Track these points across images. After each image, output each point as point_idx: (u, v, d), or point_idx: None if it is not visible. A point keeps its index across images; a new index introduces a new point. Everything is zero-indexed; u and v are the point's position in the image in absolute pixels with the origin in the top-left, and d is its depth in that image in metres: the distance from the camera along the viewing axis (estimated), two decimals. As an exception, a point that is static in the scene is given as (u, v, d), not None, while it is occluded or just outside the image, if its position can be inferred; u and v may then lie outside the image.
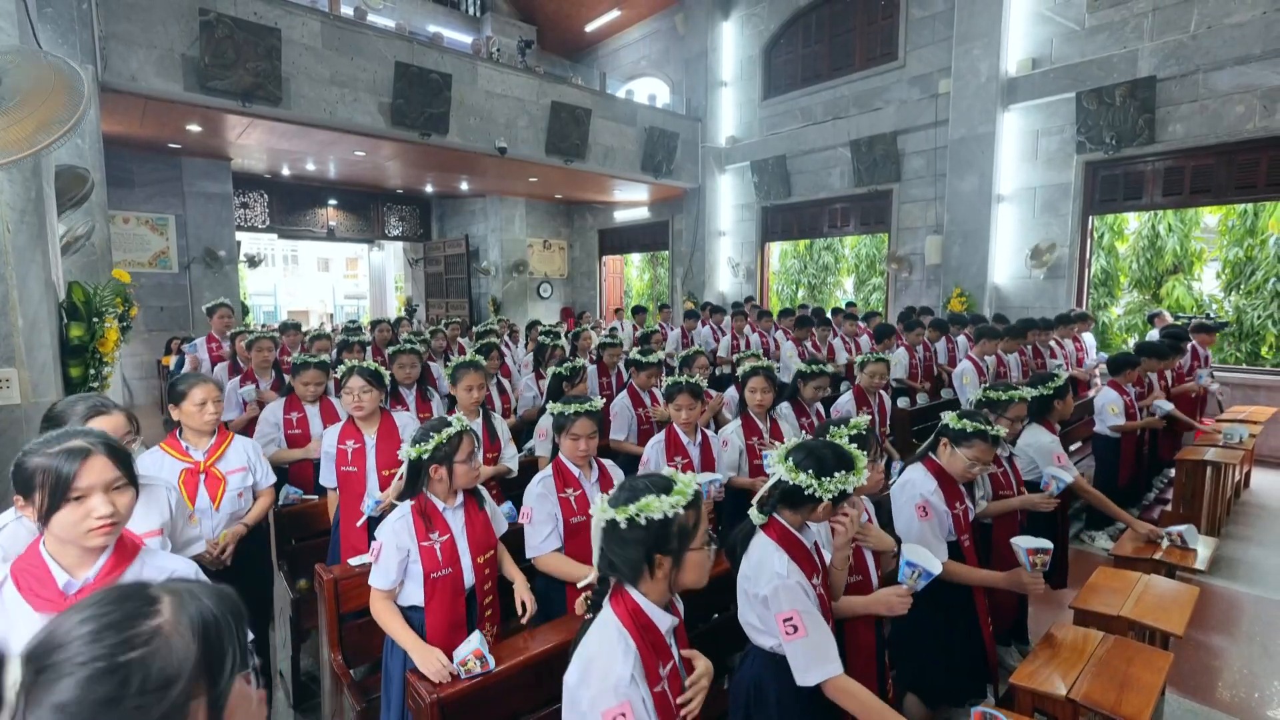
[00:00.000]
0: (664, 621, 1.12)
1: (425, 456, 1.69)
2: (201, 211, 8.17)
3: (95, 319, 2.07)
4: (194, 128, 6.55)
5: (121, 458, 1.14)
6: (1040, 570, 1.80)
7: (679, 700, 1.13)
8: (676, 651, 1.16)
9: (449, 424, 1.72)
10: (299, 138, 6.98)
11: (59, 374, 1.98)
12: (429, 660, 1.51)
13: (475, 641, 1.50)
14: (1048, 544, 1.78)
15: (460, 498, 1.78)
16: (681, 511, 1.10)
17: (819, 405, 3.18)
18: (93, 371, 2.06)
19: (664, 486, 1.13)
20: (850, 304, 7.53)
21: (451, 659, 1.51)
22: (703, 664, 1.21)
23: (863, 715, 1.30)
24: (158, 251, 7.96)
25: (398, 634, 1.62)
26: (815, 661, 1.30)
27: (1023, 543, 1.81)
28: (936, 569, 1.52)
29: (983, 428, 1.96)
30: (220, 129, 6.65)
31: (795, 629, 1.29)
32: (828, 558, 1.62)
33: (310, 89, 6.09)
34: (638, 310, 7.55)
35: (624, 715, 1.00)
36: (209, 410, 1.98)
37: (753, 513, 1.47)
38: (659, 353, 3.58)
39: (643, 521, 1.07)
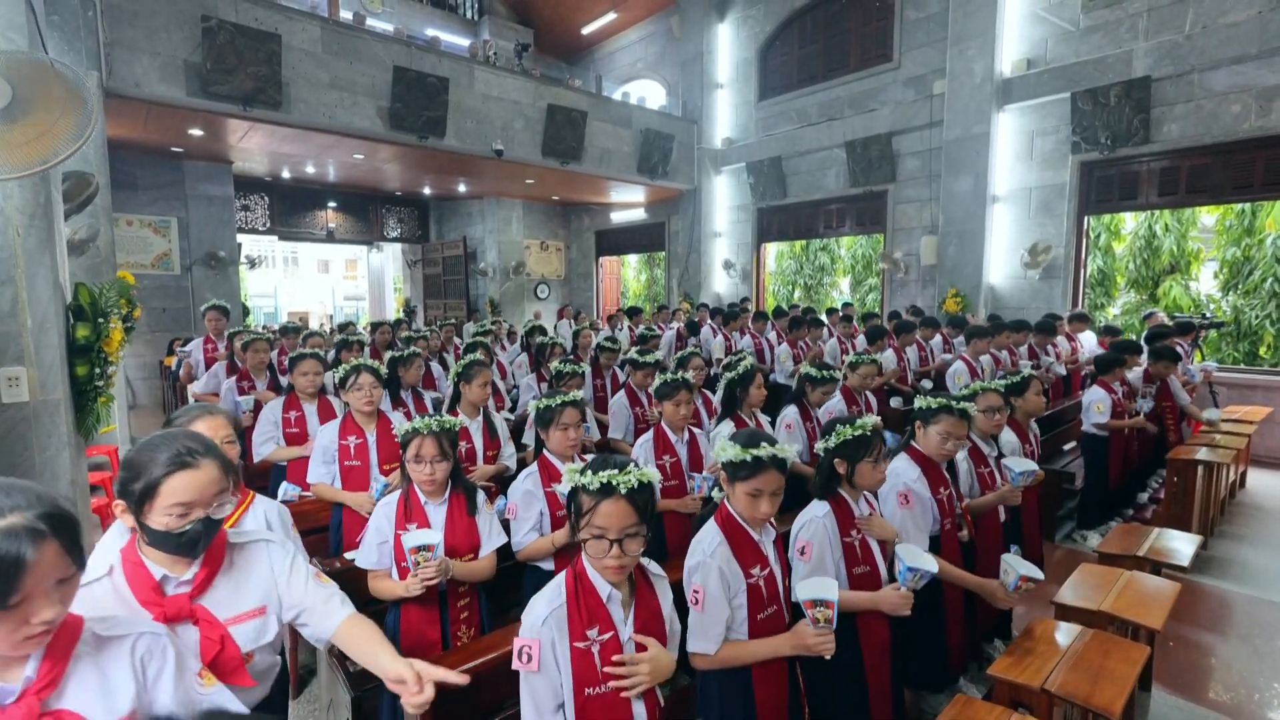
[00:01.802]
0: (602, 589, 1.22)
1: (400, 440, 1.79)
2: (203, 214, 8.26)
3: (101, 319, 2.12)
4: (196, 132, 6.63)
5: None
6: (1022, 593, 1.80)
7: (606, 667, 1.18)
8: (627, 628, 1.22)
9: (416, 423, 1.77)
10: (299, 141, 7.06)
11: (65, 373, 2.04)
12: (405, 588, 1.61)
13: (411, 541, 1.57)
14: (1039, 574, 1.79)
15: (444, 496, 1.81)
16: (580, 493, 1.20)
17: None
18: (98, 370, 2.12)
19: (601, 466, 1.22)
20: (847, 304, 7.57)
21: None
22: (652, 649, 1.22)
23: (748, 660, 1.44)
24: (160, 253, 8.04)
25: (386, 590, 1.71)
26: (696, 635, 1.44)
27: (1019, 566, 1.78)
28: (934, 568, 1.57)
29: (945, 402, 2.05)
30: (222, 133, 6.72)
31: (697, 602, 1.43)
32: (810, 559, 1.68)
33: (310, 93, 6.17)
34: (634, 311, 7.60)
35: (529, 648, 1.15)
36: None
37: (715, 492, 1.59)
38: (655, 354, 3.63)
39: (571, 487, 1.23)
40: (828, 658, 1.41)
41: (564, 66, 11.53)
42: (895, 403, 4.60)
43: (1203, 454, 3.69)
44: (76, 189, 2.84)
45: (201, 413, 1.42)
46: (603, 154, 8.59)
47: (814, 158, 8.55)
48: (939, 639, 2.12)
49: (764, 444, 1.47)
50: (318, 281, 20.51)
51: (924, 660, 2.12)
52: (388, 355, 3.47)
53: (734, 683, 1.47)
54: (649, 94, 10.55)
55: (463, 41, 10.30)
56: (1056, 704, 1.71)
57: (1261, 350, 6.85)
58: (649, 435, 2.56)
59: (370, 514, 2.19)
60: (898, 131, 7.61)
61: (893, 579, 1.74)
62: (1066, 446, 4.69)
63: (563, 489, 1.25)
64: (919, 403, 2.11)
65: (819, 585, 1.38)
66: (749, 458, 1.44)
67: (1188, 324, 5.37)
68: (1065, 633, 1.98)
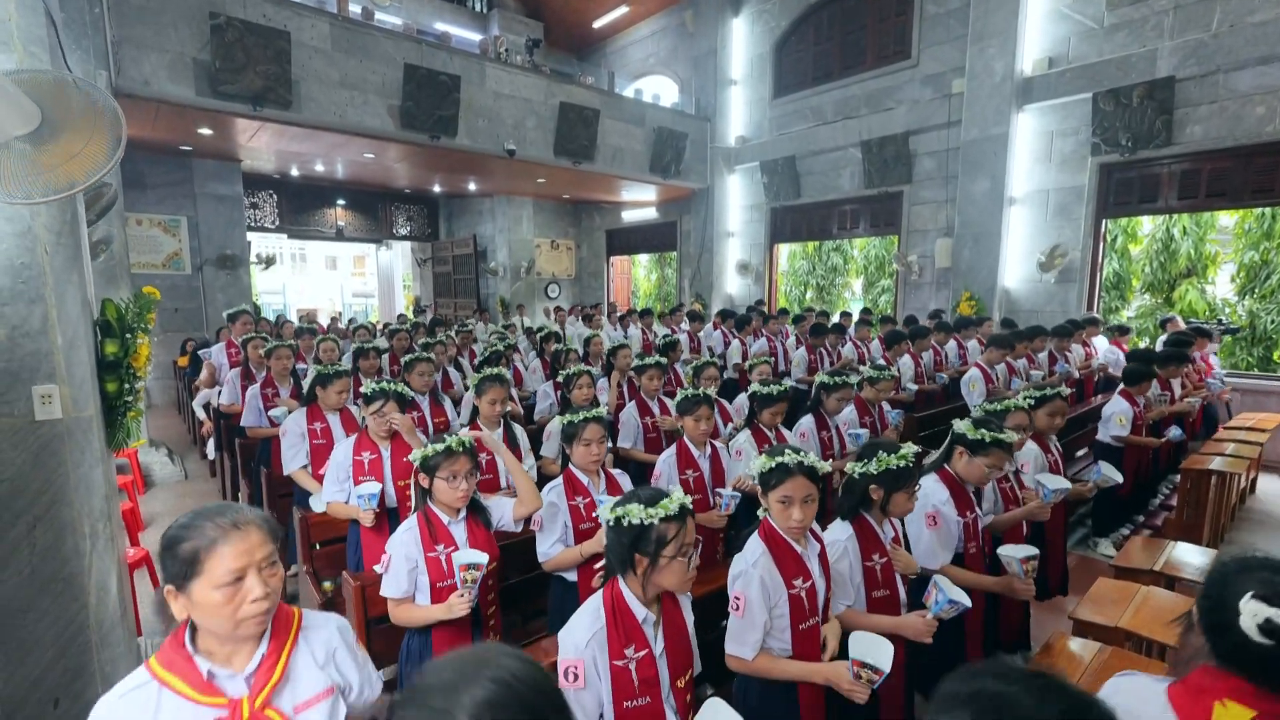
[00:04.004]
0: (639, 612, 1.32)
1: (418, 464, 1.79)
2: (213, 212, 8.26)
3: (128, 335, 2.13)
4: (205, 131, 6.61)
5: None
6: (1031, 575, 1.89)
7: None
8: (659, 644, 1.34)
9: (444, 439, 1.79)
10: (308, 140, 7.03)
11: (96, 389, 2.05)
12: (449, 609, 1.62)
13: (463, 559, 1.61)
14: (1033, 550, 1.90)
15: (462, 513, 1.83)
16: (658, 523, 1.30)
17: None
18: (127, 386, 2.12)
19: (654, 499, 1.33)
20: (866, 311, 7.50)
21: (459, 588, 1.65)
22: None
23: (780, 677, 1.52)
24: (170, 253, 8.06)
25: (421, 616, 1.71)
26: (735, 639, 1.52)
27: (1014, 552, 1.89)
28: (969, 603, 1.59)
29: (1000, 437, 2.05)
30: (231, 132, 6.70)
31: (738, 608, 1.51)
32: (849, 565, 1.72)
33: (320, 92, 6.13)
34: (645, 313, 7.55)
35: (575, 668, 1.25)
36: (252, 590, 0.95)
37: (760, 511, 1.64)
38: (654, 356, 3.64)
39: (625, 524, 1.30)
40: (860, 702, 1.43)
41: (575, 61, 11.44)
42: (909, 390, 4.70)
43: (1216, 464, 3.68)
44: (94, 198, 2.84)
45: (228, 528, 0.97)
46: (615, 153, 8.52)
47: (829, 157, 8.46)
48: (959, 655, 2.13)
49: (789, 452, 1.55)
50: (326, 278, 20.54)
51: (943, 675, 2.13)
52: (405, 359, 3.45)
53: (775, 687, 1.53)
54: (661, 90, 10.43)
55: (473, 36, 10.21)
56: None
57: (1276, 355, 6.76)
58: (671, 451, 2.56)
59: (370, 524, 2.24)
60: (914, 131, 7.50)
61: (911, 605, 1.75)
62: (1079, 453, 4.66)
63: (604, 515, 1.36)
64: (968, 432, 2.08)
65: (874, 649, 1.38)
66: (774, 464, 1.54)
67: (1203, 330, 5.34)
68: (1083, 649, 1.97)
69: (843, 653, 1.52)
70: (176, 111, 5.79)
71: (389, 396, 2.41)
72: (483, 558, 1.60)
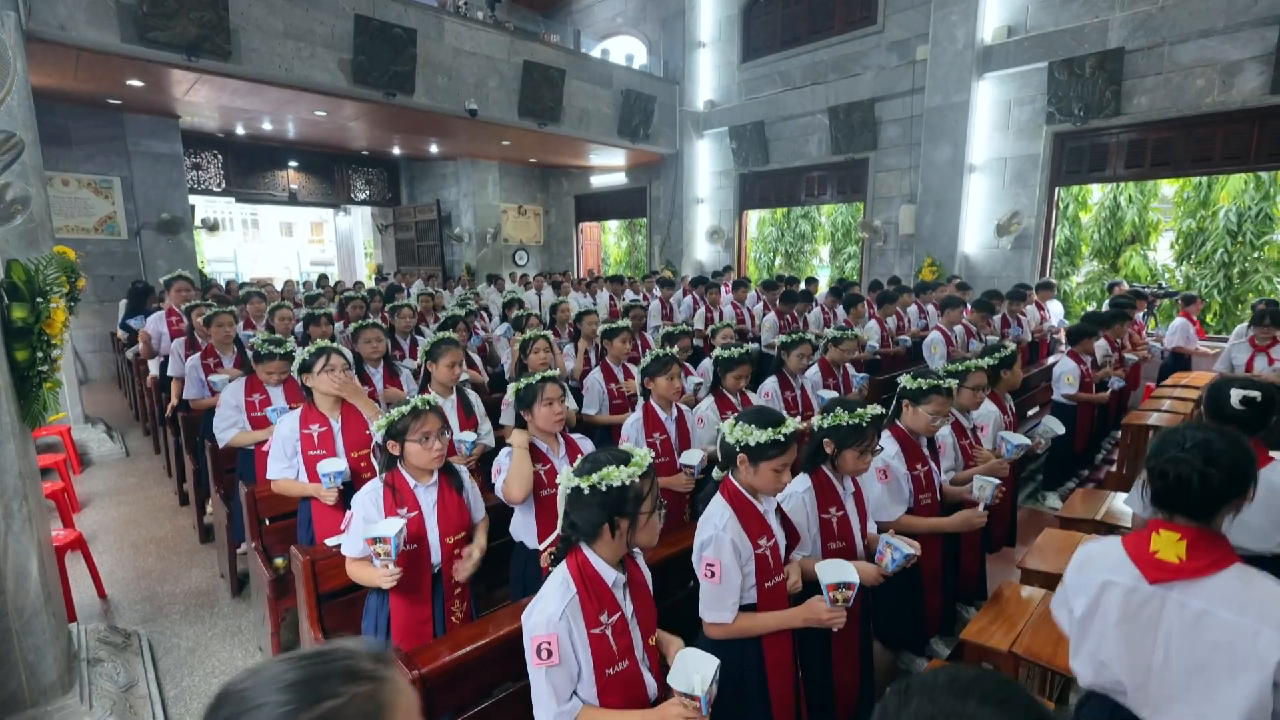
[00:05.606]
0: (609, 575, 1.28)
1: (383, 432, 1.72)
2: (150, 173, 7.65)
3: (40, 299, 1.95)
4: (135, 83, 6.06)
5: None
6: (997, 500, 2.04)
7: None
8: (628, 606, 1.31)
9: (407, 401, 1.73)
10: (253, 95, 6.54)
11: (3, 358, 1.88)
12: (381, 578, 1.60)
13: (370, 533, 1.56)
14: (996, 480, 2.07)
15: (434, 477, 1.79)
16: (638, 480, 1.25)
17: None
18: (40, 354, 1.95)
19: (623, 459, 1.29)
20: (843, 280, 7.59)
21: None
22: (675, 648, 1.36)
23: (761, 631, 1.53)
24: (104, 216, 7.46)
25: (370, 579, 1.67)
26: (713, 607, 1.50)
27: (990, 480, 2.05)
28: (918, 551, 1.67)
29: (935, 383, 2.14)
30: (165, 84, 6.17)
31: (713, 574, 1.48)
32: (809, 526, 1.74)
33: (262, 43, 5.67)
34: (615, 279, 7.46)
35: (549, 644, 1.19)
36: None
37: (715, 470, 1.61)
38: (624, 320, 3.59)
39: (603, 488, 1.24)
40: (837, 630, 1.49)
41: (540, 19, 10.84)
42: (872, 348, 4.98)
43: (1154, 419, 3.91)
44: (-1, 148, 2.56)
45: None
46: (582, 115, 8.23)
47: (796, 123, 8.38)
48: (918, 606, 2.23)
49: (788, 421, 1.52)
50: (281, 246, 19.44)
51: (904, 624, 2.24)
52: (352, 327, 3.29)
53: (746, 646, 1.54)
54: (629, 51, 10.06)
55: (428, -13, 9.55)
56: (1021, 665, 1.82)
57: (1208, 318, 7.19)
58: (638, 415, 2.55)
59: (333, 503, 2.14)
60: (880, 98, 7.49)
61: (867, 557, 1.80)
62: (1030, 412, 4.89)
63: (615, 482, 1.25)
64: (907, 384, 2.16)
65: (839, 570, 1.45)
66: (781, 437, 1.49)
67: (1140, 294, 5.64)
68: (1030, 597, 2.09)
69: (809, 594, 1.56)
70: (100, 60, 5.28)
71: (329, 353, 2.25)
72: (390, 530, 1.54)
